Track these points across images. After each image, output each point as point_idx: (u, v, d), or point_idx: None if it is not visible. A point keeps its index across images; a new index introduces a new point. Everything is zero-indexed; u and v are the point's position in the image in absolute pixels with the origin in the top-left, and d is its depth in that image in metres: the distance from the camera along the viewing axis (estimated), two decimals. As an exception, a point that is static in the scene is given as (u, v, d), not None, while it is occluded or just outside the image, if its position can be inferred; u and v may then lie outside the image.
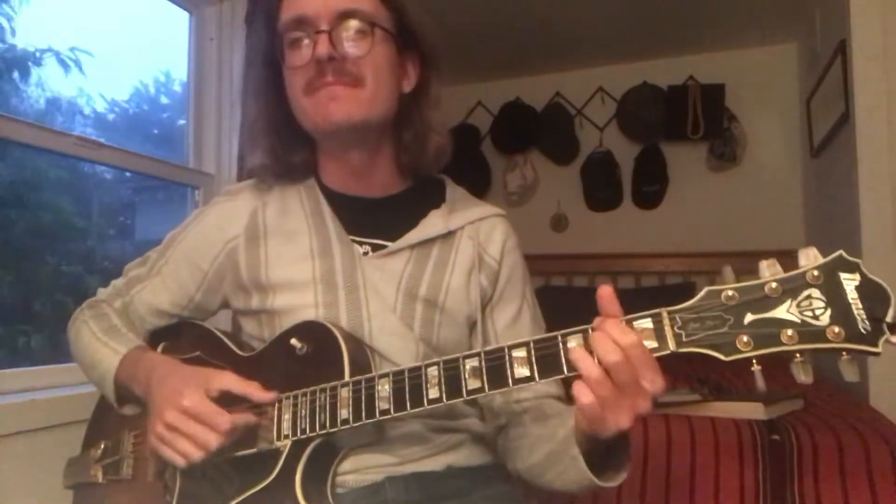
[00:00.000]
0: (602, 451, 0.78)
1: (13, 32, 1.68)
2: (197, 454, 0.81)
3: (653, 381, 0.67)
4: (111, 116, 2.09)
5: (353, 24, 0.91)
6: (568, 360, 0.69)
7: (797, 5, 2.69)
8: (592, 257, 3.35)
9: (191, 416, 0.82)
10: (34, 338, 1.78)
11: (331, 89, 0.90)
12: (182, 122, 2.22)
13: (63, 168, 1.88)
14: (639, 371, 0.66)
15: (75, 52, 1.84)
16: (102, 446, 1.04)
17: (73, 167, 1.90)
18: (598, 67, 3.44)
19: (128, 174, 2.07)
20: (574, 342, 0.70)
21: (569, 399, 0.79)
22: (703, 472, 1.43)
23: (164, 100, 2.35)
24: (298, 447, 0.83)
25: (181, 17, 2.15)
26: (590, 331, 0.69)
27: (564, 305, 1.15)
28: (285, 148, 1.00)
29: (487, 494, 0.94)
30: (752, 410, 1.51)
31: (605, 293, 0.70)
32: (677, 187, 3.34)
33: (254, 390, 0.85)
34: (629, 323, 0.68)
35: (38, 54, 1.78)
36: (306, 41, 0.91)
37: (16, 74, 1.73)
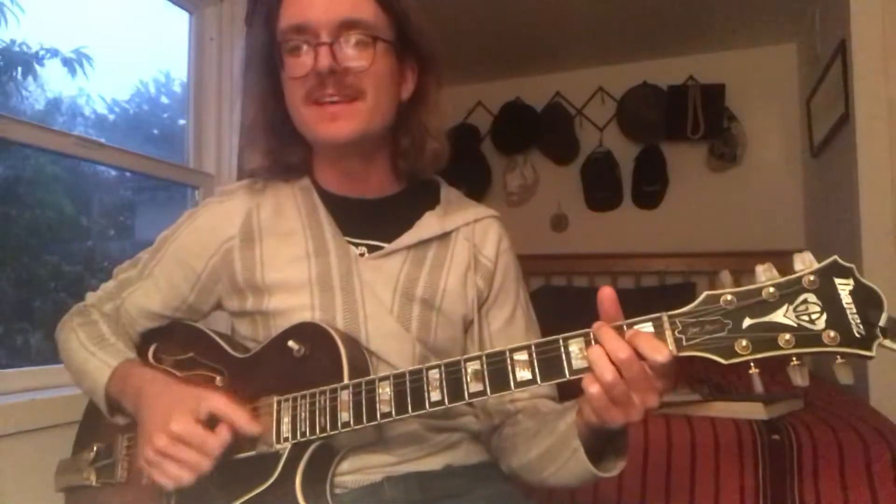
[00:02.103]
0: (601, 443, 0.80)
1: (10, 25, 1.68)
2: (188, 477, 0.81)
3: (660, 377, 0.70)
4: (111, 116, 2.09)
5: (355, 36, 0.90)
6: (587, 359, 0.70)
7: (797, 5, 2.69)
8: (592, 257, 3.35)
9: (180, 441, 0.81)
10: (34, 337, 1.78)
11: (331, 110, 0.90)
12: (182, 122, 2.22)
13: (63, 168, 1.88)
14: (647, 367, 0.68)
15: (79, 55, 1.83)
16: (95, 449, 1.03)
17: (73, 167, 1.90)
18: (598, 67, 3.43)
19: (128, 174, 2.07)
20: (575, 345, 0.71)
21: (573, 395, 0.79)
22: (703, 473, 1.43)
23: (164, 100, 2.35)
24: (298, 449, 0.83)
25: (181, 17, 2.15)
26: (591, 335, 0.70)
27: (564, 305, 1.15)
28: (283, 149, 1.00)
29: (487, 494, 0.94)
30: (752, 410, 1.51)
31: (607, 295, 0.71)
32: (677, 187, 3.33)
33: (242, 422, 0.82)
34: (629, 327, 0.70)
35: (41, 53, 1.77)
36: (305, 48, 0.90)
37: (19, 71, 1.72)
